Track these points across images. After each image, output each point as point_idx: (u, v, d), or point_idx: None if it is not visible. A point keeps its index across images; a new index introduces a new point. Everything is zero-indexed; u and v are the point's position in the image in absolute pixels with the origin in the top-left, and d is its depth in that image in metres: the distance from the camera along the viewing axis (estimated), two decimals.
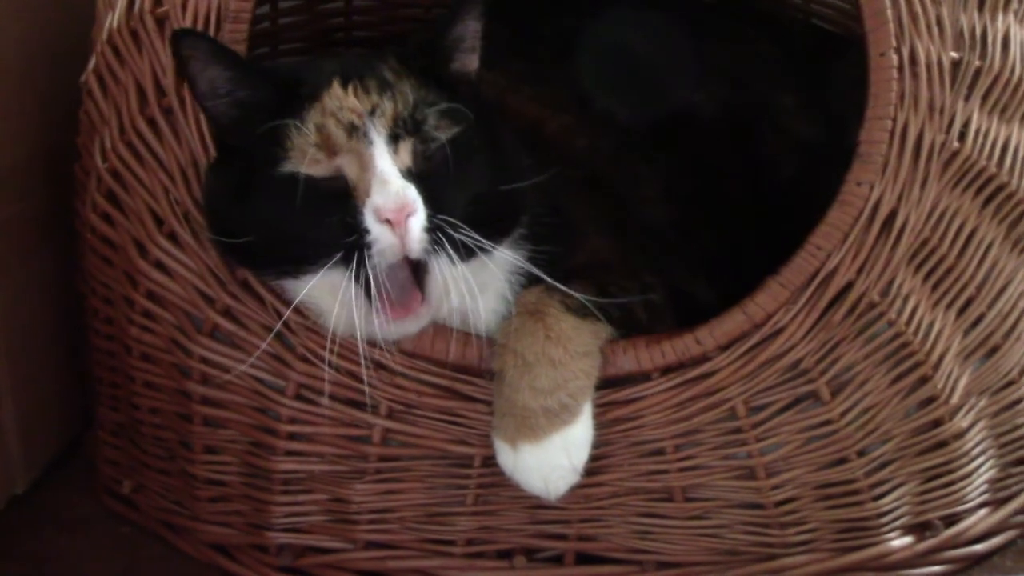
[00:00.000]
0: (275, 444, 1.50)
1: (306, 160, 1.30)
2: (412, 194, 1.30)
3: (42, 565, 1.60)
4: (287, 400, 1.48)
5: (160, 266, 1.49)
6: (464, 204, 1.33)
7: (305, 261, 1.33)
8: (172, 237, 1.48)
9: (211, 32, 1.44)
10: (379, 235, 1.29)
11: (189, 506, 1.58)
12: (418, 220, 1.29)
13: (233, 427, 1.52)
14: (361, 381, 1.42)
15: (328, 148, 1.31)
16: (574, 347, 1.40)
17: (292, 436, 1.49)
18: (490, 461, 1.44)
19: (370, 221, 1.29)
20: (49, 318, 1.73)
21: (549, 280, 1.39)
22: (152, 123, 1.48)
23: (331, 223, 1.31)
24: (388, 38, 1.93)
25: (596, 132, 1.63)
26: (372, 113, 1.31)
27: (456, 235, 1.31)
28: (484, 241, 1.33)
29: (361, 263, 1.30)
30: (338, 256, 1.30)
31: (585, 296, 1.39)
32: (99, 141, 1.54)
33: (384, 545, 1.52)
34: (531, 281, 1.42)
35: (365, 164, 1.30)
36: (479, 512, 1.49)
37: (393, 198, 1.29)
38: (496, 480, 1.46)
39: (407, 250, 1.30)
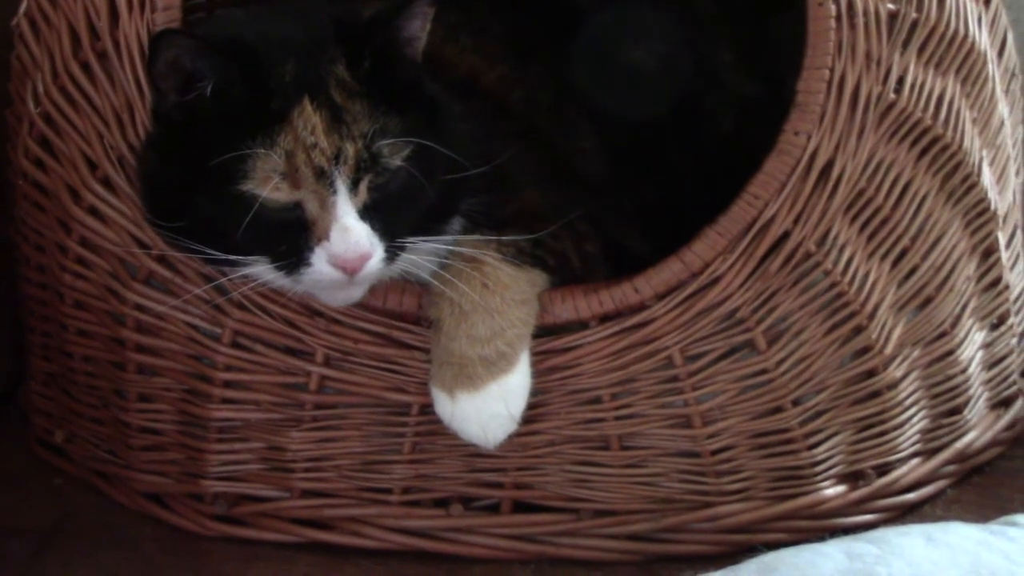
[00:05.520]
0: (211, 392, 1.49)
1: (269, 188, 1.28)
2: (371, 241, 1.30)
3: None
4: (223, 347, 1.47)
5: (94, 212, 1.47)
6: (418, 217, 1.34)
7: (241, 263, 1.33)
8: (106, 183, 1.46)
9: None
10: (328, 272, 1.30)
11: (123, 455, 1.57)
12: (374, 262, 1.30)
13: (168, 375, 1.50)
14: (297, 328, 1.42)
15: (293, 181, 1.29)
16: (511, 295, 1.40)
17: (228, 384, 1.48)
18: (427, 409, 1.44)
19: (320, 258, 1.29)
20: None
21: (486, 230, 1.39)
22: (86, 67, 1.46)
23: (279, 245, 1.30)
24: None
25: (533, 84, 1.62)
26: (336, 159, 1.29)
27: (408, 247, 1.33)
28: (436, 239, 1.36)
29: (299, 274, 1.31)
30: (277, 264, 1.31)
31: (520, 242, 1.39)
32: (31, 86, 1.52)
33: (320, 493, 1.51)
34: (467, 229, 1.42)
35: (327, 207, 1.29)
36: (416, 460, 1.49)
37: (353, 247, 1.29)
38: (433, 428, 1.46)
39: (354, 282, 1.32)
